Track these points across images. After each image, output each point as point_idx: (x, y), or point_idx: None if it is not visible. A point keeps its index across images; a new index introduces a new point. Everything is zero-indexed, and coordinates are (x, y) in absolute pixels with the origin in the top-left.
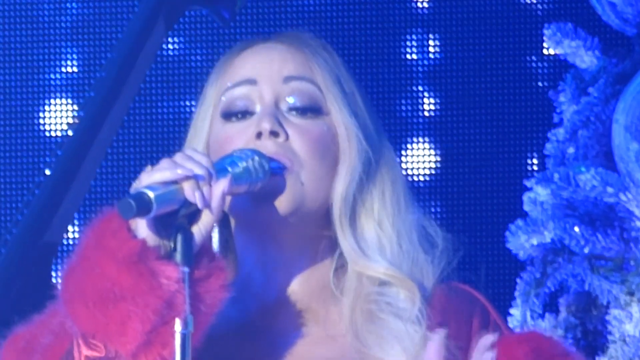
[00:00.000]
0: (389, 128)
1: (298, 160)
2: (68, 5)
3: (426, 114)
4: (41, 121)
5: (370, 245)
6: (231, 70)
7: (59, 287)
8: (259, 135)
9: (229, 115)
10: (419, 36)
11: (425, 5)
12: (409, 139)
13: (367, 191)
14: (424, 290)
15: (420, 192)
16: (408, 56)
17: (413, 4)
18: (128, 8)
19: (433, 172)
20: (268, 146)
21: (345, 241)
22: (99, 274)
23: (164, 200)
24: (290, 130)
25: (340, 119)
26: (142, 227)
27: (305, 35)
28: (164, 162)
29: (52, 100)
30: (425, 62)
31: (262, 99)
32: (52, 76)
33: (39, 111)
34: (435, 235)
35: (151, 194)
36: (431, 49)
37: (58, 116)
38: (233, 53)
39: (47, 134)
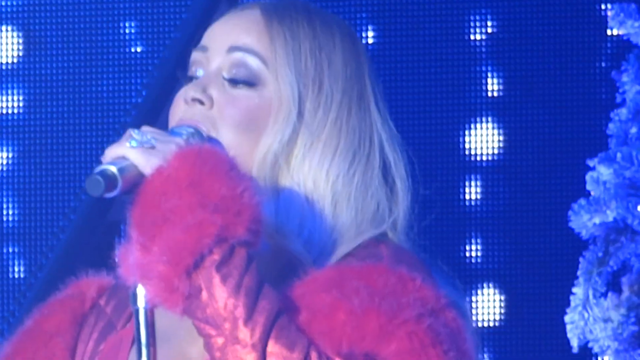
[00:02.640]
0: (452, 108)
1: (217, 127)
2: None
3: (489, 94)
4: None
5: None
6: (204, 35)
7: None
8: (186, 100)
9: (185, 79)
10: (482, 16)
11: None
12: (472, 119)
13: (293, 157)
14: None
15: (484, 172)
16: (471, 36)
17: None
18: None
19: (496, 152)
20: (190, 112)
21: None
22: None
23: (125, 170)
24: (219, 99)
25: (276, 90)
26: None
27: (292, 3)
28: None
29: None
30: (488, 42)
31: (207, 66)
32: (117, 56)
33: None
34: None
35: (112, 168)
36: (493, 29)
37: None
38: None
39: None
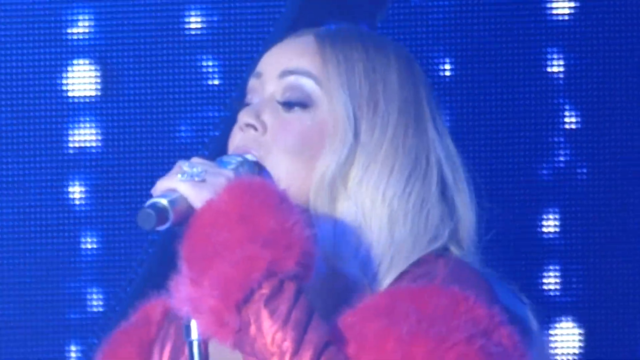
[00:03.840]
0: (529, 141)
1: (271, 152)
2: (209, 17)
3: (567, 127)
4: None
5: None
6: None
7: None
8: (240, 127)
9: (242, 106)
10: (559, 48)
11: (566, 17)
12: (548, 152)
13: (351, 178)
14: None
15: (562, 203)
16: (548, 69)
17: (553, 16)
18: (265, 22)
19: (574, 183)
20: (243, 138)
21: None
22: None
23: (175, 202)
24: (272, 123)
25: (331, 111)
26: None
27: (345, 28)
28: (166, 176)
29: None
30: (566, 74)
31: (262, 93)
32: (194, 89)
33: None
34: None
35: (163, 201)
36: (570, 61)
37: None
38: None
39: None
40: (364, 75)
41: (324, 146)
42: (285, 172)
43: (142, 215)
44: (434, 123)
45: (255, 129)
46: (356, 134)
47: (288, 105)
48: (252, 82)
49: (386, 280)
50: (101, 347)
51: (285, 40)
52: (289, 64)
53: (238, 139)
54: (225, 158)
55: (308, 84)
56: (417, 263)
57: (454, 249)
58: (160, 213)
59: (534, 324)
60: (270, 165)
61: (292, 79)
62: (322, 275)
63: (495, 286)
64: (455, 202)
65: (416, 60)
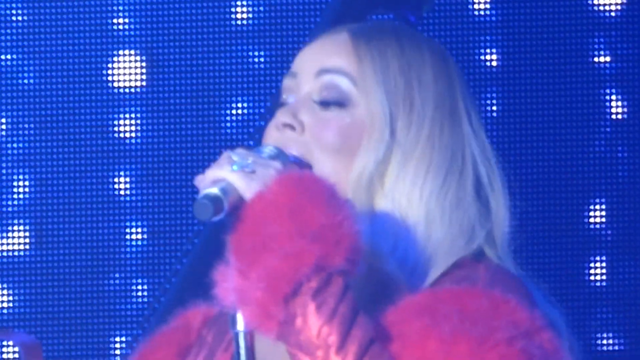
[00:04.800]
0: (575, 131)
1: (311, 151)
2: (255, 8)
3: (613, 117)
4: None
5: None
6: (293, 62)
7: None
8: (277, 127)
9: (278, 106)
10: (607, 39)
11: (613, 7)
12: (593, 142)
13: (389, 177)
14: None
15: (607, 194)
16: (595, 59)
17: (599, 9)
18: (312, 12)
19: (620, 174)
20: (282, 139)
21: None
22: None
23: (227, 193)
24: (311, 122)
25: (367, 110)
26: None
27: (379, 24)
28: (214, 165)
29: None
30: (613, 64)
31: (298, 92)
32: (241, 80)
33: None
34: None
35: (217, 191)
36: (617, 52)
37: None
38: (305, 45)
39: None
40: (399, 72)
41: (362, 145)
42: (326, 170)
43: (198, 206)
44: (469, 119)
45: (293, 128)
46: (393, 132)
47: (325, 104)
48: (287, 82)
49: (426, 280)
50: (138, 349)
51: (319, 39)
52: (325, 63)
53: (274, 138)
54: (263, 148)
55: (344, 83)
56: (457, 265)
57: (488, 250)
58: (216, 203)
59: (565, 330)
60: (312, 163)
61: (328, 78)
62: (360, 272)
63: (534, 292)
64: (489, 201)
65: (452, 55)
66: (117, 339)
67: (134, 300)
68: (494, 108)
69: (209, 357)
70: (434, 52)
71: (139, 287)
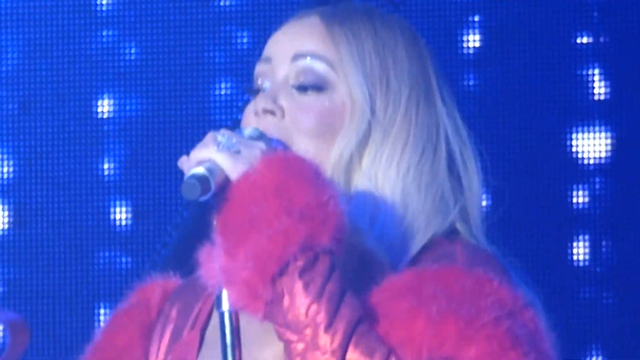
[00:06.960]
0: (558, 112)
1: (292, 136)
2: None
3: (596, 97)
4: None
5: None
6: (265, 47)
7: None
8: (256, 112)
9: (251, 92)
10: (589, 19)
11: None
12: (579, 123)
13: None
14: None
15: (591, 175)
16: (578, 40)
17: None
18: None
19: (604, 155)
20: (262, 124)
21: None
22: None
23: (214, 173)
24: (290, 107)
25: (346, 92)
26: None
27: (349, 5)
28: (199, 146)
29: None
30: (595, 45)
31: (273, 77)
32: (227, 54)
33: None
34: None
35: (204, 171)
36: (600, 31)
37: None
38: (276, 29)
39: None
40: (374, 52)
41: (342, 127)
42: (308, 154)
43: (186, 185)
44: (442, 97)
45: (274, 113)
46: (372, 112)
47: (303, 88)
48: (261, 67)
49: (404, 256)
50: (101, 330)
51: (290, 23)
52: (299, 48)
53: (254, 124)
54: (244, 131)
55: (321, 66)
56: (434, 242)
57: (461, 226)
58: (203, 183)
59: (541, 310)
60: (293, 148)
61: (304, 62)
62: (343, 250)
63: (509, 271)
64: (461, 177)
65: (434, 35)
66: (102, 311)
67: (118, 278)
68: (474, 89)
69: (175, 335)
70: (405, 31)
71: (124, 266)
